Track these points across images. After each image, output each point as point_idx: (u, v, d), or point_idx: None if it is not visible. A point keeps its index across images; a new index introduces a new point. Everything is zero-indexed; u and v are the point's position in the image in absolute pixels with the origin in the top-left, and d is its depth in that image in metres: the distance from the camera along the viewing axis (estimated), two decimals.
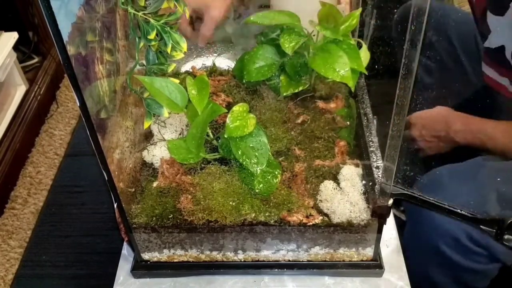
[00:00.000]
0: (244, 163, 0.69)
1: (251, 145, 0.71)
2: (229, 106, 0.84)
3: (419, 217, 0.91)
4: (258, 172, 0.70)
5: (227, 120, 0.70)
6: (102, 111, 0.61)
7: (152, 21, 0.61)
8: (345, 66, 0.72)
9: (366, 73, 0.74)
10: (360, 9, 0.83)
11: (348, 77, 0.72)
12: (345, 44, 0.78)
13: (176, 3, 0.63)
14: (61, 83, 1.81)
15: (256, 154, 0.70)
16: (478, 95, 1.12)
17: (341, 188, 0.72)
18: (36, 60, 1.73)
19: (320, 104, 0.85)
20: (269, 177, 0.71)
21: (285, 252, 0.73)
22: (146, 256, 0.74)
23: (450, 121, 0.97)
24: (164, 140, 0.80)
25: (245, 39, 0.95)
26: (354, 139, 0.79)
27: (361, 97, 0.84)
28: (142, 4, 0.59)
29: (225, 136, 0.70)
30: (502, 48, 0.92)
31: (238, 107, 0.71)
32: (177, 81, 0.70)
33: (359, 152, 0.78)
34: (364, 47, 0.78)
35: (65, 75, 0.50)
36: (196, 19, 1.06)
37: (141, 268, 0.74)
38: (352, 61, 0.73)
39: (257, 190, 0.70)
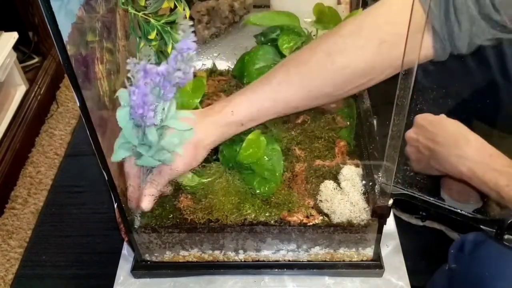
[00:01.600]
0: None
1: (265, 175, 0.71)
2: None
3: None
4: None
5: (241, 148, 0.71)
6: (102, 111, 0.61)
7: (152, 21, 0.61)
8: None
9: None
10: (360, 9, 0.83)
11: None
12: None
13: (176, 3, 0.63)
14: (61, 83, 1.81)
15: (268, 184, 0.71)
16: None
17: (341, 188, 0.72)
18: (36, 60, 1.73)
19: None
20: (270, 180, 0.71)
21: (285, 252, 0.73)
22: (146, 256, 0.74)
23: (462, 140, 0.69)
24: None
25: None
26: (354, 139, 0.79)
27: (361, 97, 0.84)
28: (143, 4, 0.59)
29: (237, 160, 0.71)
30: None
31: (253, 136, 0.71)
32: None
33: (359, 152, 0.78)
34: None
35: (65, 75, 0.50)
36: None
37: (141, 268, 0.74)
38: None
39: (257, 191, 0.70)
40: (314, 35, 0.86)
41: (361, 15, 0.70)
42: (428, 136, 0.72)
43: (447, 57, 0.69)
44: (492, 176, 0.66)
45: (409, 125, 0.77)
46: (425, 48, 0.67)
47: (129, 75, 0.55)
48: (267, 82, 0.69)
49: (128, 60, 0.54)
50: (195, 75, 0.91)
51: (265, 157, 0.71)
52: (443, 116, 0.73)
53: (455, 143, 0.69)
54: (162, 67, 0.55)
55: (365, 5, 0.85)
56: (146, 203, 0.65)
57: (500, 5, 0.64)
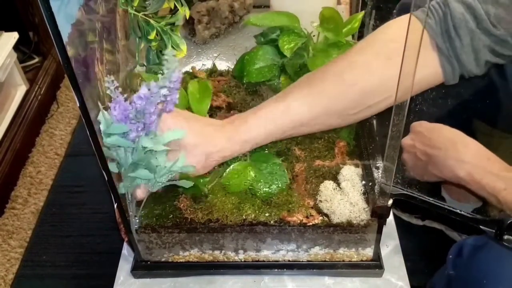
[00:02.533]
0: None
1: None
2: (229, 107, 0.85)
3: None
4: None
5: (224, 176, 0.71)
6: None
7: (152, 21, 0.61)
8: None
9: None
10: (362, 12, 0.83)
11: None
12: (348, 46, 0.78)
13: (176, 4, 0.63)
14: (61, 83, 1.81)
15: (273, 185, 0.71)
16: None
17: (341, 188, 0.72)
18: (36, 60, 1.73)
19: None
20: (272, 182, 0.71)
21: (285, 252, 0.73)
22: (146, 256, 0.74)
23: (460, 144, 0.69)
24: None
25: None
26: (353, 139, 0.79)
27: None
28: (136, 4, 0.59)
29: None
30: None
31: (236, 166, 0.71)
32: None
33: (359, 152, 0.78)
34: None
35: (66, 75, 0.50)
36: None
37: (141, 268, 0.75)
38: None
39: (258, 194, 0.71)
40: (314, 36, 0.86)
41: (369, 35, 0.72)
42: (425, 142, 0.72)
43: (458, 79, 0.69)
44: (490, 180, 0.65)
45: (408, 125, 0.77)
46: (432, 66, 0.68)
47: (108, 91, 0.54)
48: (281, 100, 0.70)
49: (106, 79, 0.53)
50: (195, 76, 0.92)
51: (267, 173, 0.72)
52: (438, 123, 0.74)
53: (453, 147, 0.69)
54: (144, 90, 0.54)
55: (364, 5, 0.85)
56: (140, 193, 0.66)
57: (495, 19, 0.64)
